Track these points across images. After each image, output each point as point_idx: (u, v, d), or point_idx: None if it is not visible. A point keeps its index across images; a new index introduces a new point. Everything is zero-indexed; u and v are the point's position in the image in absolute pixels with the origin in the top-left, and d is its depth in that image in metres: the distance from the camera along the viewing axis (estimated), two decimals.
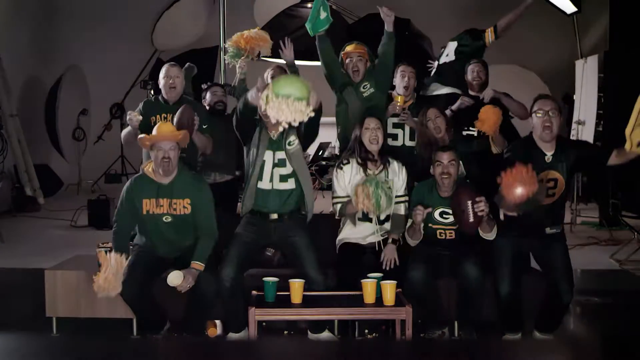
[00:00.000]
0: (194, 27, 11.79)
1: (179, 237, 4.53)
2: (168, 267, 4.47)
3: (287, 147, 4.50)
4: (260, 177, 4.53)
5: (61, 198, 10.35)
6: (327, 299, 4.30)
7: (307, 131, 4.51)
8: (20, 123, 9.86)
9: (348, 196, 4.72)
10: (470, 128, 5.40)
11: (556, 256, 4.46)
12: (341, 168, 4.80)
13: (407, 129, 5.46)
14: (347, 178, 4.77)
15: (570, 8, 9.16)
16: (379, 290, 4.25)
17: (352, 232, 4.79)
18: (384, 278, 4.31)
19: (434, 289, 4.62)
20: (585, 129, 8.47)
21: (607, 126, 8.39)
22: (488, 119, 5.12)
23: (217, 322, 4.62)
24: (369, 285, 4.24)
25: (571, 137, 8.78)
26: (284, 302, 4.24)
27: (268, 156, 4.52)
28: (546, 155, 4.35)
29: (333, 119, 5.64)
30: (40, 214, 9.31)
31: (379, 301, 4.23)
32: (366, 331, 4.71)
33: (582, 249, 7.20)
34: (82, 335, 4.26)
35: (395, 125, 5.49)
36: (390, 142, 5.35)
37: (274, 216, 4.58)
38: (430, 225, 4.64)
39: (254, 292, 4.36)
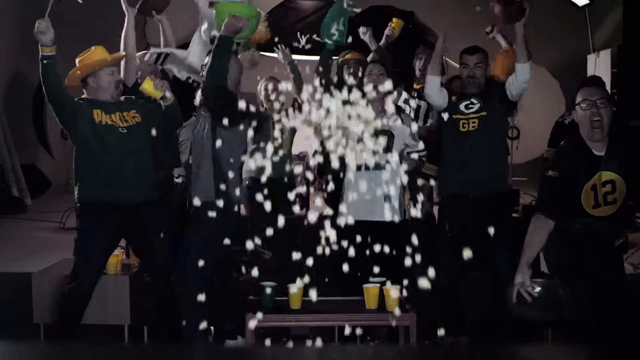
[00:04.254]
0: (189, 20, 11.79)
1: (138, 160, 4.43)
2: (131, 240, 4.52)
3: None
4: None
5: (49, 199, 10.35)
6: (328, 304, 4.31)
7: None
8: (6, 120, 9.86)
9: None
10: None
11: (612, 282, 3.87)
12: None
13: (415, 107, 5.66)
14: None
15: (582, 0, 9.18)
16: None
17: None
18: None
19: (463, 287, 4.63)
20: None
21: (620, 123, 8.40)
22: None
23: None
24: (371, 290, 4.25)
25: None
26: (283, 307, 4.24)
27: None
28: (598, 154, 3.87)
29: None
30: (27, 216, 9.30)
31: (381, 307, 4.23)
32: (368, 338, 4.72)
33: None
34: (72, 343, 4.26)
35: (405, 101, 5.65)
36: None
37: None
38: (453, 116, 4.78)
39: (250, 297, 4.36)
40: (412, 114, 5.69)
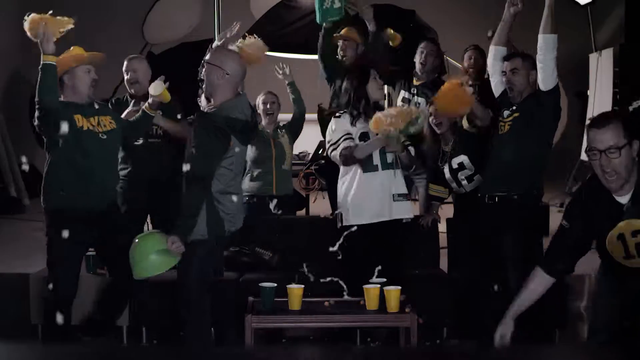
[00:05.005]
0: (187, 19, 11.77)
1: (113, 166, 4.47)
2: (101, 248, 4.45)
3: None
4: None
5: None
6: (327, 306, 4.30)
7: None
8: (4, 121, 9.84)
9: (349, 135, 4.65)
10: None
11: None
12: (339, 117, 4.72)
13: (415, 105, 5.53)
14: (348, 123, 4.68)
15: None
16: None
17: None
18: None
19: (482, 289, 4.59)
20: None
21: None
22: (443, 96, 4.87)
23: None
24: (371, 291, 4.24)
25: (585, 135, 8.77)
26: (282, 309, 4.24)
27: None
28: (621, 202, 3.39)
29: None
30: (26, 216, 9.29)
31: (382, 308, 4.23)
32: (368, 339, 4.71)
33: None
34: (70, 344, 4.26)
35: (404, 100, 5.60)
36: None
37: None
38: (499, 119, 4.66)
39: (250, 298, 4.35)
40: None
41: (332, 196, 5.39)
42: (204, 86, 4.16)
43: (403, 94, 5.64)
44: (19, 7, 11.35)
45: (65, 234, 4.20)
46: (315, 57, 5.80)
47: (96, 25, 11.59)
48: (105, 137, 4.36)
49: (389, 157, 4.64)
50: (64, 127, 4.22)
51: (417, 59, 5.62)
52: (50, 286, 4.30)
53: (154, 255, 4.06)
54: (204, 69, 4.14)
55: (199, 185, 3.97)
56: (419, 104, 5.51)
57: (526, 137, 4.57)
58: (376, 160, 4.61)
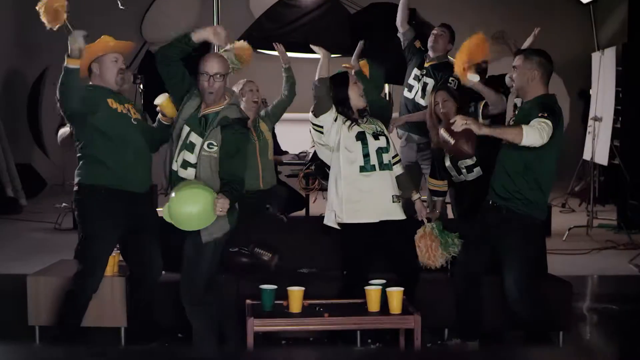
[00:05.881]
0: (186, 18, 11.77)
1: (147, 151, 4.47)
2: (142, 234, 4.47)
3: (205, 149, 4.18)
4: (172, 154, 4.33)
5: (45, 199, 10.33)
6: (328, 307, 4.29)
7: None
8: (1, 120, 9.84)
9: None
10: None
11: None
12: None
13: (422, 85, 5.85)
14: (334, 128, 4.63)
15: None
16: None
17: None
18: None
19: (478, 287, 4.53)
20: (602, 126, 8.45)
21: (626, 123, 8.38)
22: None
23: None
24: (373, 292, 4.23)
25: (587, 135, 8.77)
26: (282, 311, 4.23)
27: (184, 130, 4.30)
28: None
29: None
30: (23, 216, 9.28)
31: (384, 309, 4.21)
32: (369, 341, 4.70)
33: (599, 253, 7.19)
34: (67, 345, 4.25)
35: (415, 77, 5.91)
36: (405, 92, 5.98)
37: None
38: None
39: (248, 300, 4.34)
40: (420, 92, 5.88)
41: None
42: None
43: (415, 71, 5.93)
44: (16, 6, 11.37)
45: (104, 210, 4.30)
46: (315, 56, 5.77)
47: (97, 23, 11.60)
48: (136, 123, 4.45)
49: (386, 158, 4.65)
50: (100, 109, 4.30)
51: (430, 41, 5.89)
52: (79, 267, 4.38)
53: (192, 206, 4.03)
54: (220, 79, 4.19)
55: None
56: (428, 84, 5.82)
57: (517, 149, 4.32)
58: (373, 160, 4.61)
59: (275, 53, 5.87)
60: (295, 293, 4.22)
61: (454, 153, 4.61)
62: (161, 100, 4.43)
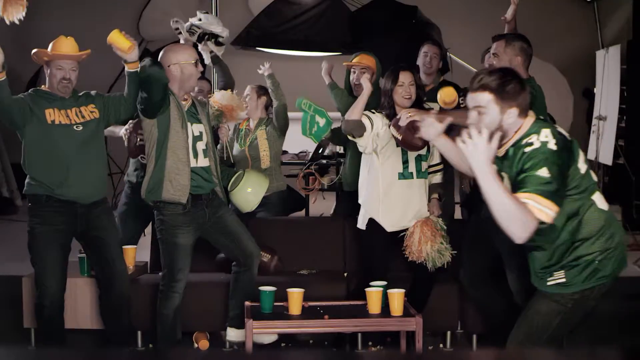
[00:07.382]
0: (184, 16, 11.77)
1: (92, 158, 4.40)
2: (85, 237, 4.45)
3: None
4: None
5: None
6: (329, 309, 4.28)
7: None
8: None
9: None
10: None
11: None
12: (373, 112, 4.60)
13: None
14: (379, 123, 4.57)
15: None
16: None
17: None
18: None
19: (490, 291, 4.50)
20: (607, 125, 8.45)
21: (631, 122, 8.37)
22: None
23: (207, 334, 4.60)
24: (374, 294, 4.22)
25: (591, 134, 8.76)
26: (282, 313, 4.22)
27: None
28: None
29: (336, 114, 5.60)
30: (18, 217, 9.27)
31: (385, 311, 4.21)
32: (370, 343, 4.69)
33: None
34: (63, 348, 4.24)
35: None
36: None
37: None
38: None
39: (247, 302, 4.33)
40: None
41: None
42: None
43: None
44: None
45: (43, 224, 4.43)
46: (316, 54, 5.78)
47: (94, 22, 11.62)
48: (80, 128, 4.36)
49: (424, 166, 4.62)
50: (32, 122, 4.30)
51: (421, 62, 5.53)
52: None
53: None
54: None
55: None
56: (432, 108, 5.43)
57: None
58: (411, 167, 4.58)
59: (275, 51, 5.89)
60: (295, 295, 4.21)
61: (404, 147, 4.50)
62: (110, 37, 4.24)
